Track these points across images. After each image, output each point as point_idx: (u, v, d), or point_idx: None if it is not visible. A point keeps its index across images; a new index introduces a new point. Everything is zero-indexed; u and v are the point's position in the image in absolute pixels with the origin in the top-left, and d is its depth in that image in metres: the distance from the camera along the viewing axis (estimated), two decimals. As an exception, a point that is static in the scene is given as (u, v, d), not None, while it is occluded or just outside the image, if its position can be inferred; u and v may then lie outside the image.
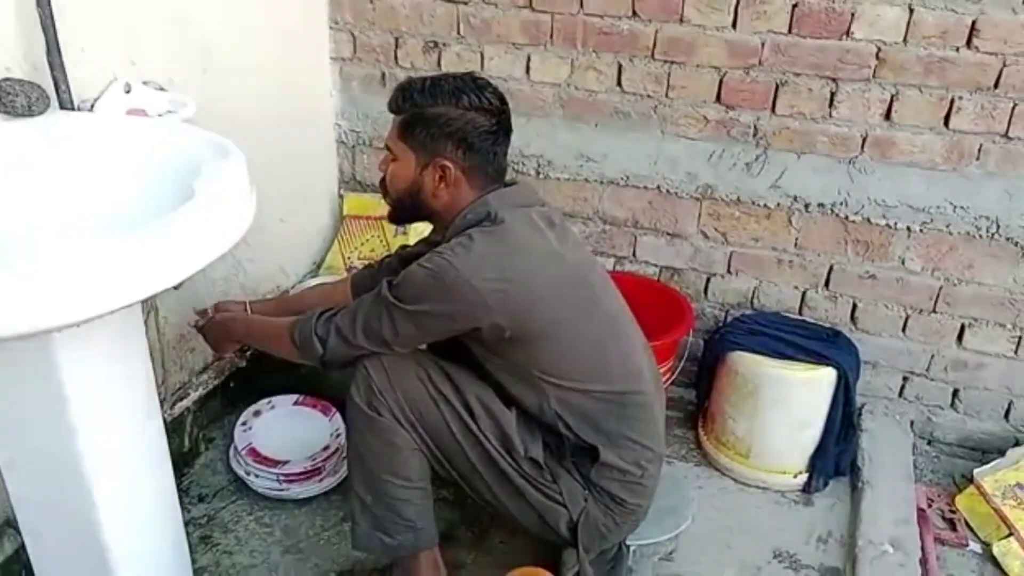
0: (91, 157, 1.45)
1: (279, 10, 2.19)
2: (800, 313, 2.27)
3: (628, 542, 1.68)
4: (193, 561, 1.83)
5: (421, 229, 2.27)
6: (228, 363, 2.21)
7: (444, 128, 1.48)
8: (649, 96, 2.18)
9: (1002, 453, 2.12)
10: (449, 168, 1.50)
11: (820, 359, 2.02)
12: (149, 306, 1.87)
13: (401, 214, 1.63)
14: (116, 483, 1.40)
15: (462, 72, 1.54)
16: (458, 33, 2.28)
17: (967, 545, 1.97)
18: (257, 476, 2.01)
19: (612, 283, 1.66)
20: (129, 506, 1.44)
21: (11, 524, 1.64)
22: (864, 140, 2.05)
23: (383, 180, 1.61)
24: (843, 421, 2.07)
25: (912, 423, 2.28)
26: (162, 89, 1.78)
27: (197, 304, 1.92)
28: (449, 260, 1.42)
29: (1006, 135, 1.95)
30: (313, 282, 2.40)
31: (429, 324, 1.47)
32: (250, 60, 2.10)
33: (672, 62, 2.12)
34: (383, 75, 2.40)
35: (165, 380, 2.03)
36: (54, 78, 1.51)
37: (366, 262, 2.04)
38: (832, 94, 2.03)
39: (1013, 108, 1.92)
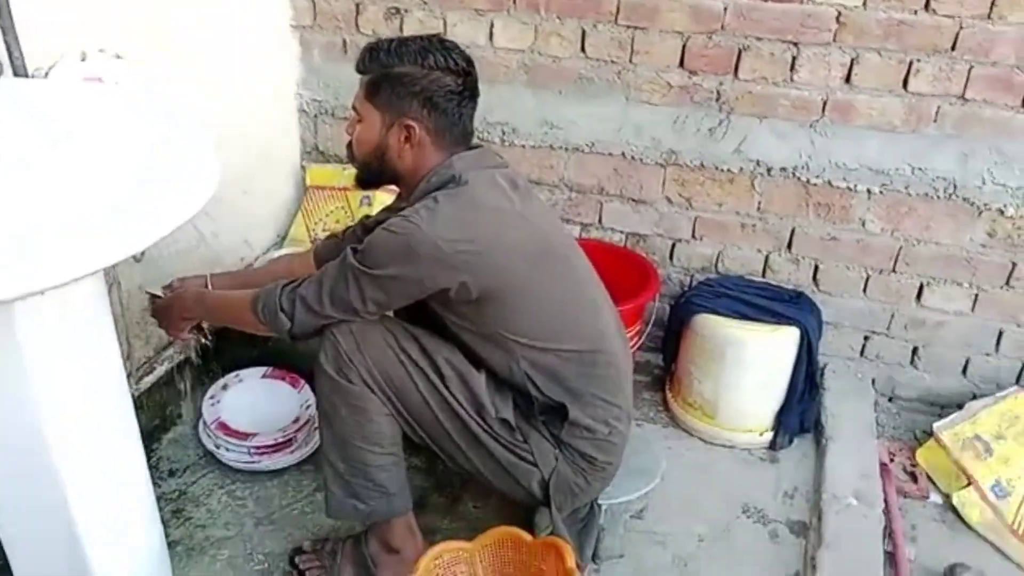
0: (46, 124, 1.41)
1: (237, -23, 2.15)
2: (763, 276, 2.31)
3: (600, 501, 1.71)
4: (166, 535, 1.82)
5: (385, 200, 2.26)
6: (194, 339, 2.18)
7: (409, 87, 1.47)
8: (613, 62, 2.18)
9: (961, 408, 2.18)
10: (414, 128, 1.49)
11: (783, 319, 2.06)
12: (111, 279, 1.84)
13: (367, 177, 1.62)
14: (81, 454, 1.38)
15: (429, 34, 1.54)
16: (420, -1, 2.26)
17: (928, 497, 2.04)
18: (228, 450, 2.00)
19: (577, 245, 1.67)
20: (97, 478, 1.43)
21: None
22: (825, 104, 2.08)
23: (350, 143, 1.60)
24: (806, 379, 2.11)
25: (874, 381, 2.33)
26: (119, 57, 1.75)
27: (161, 278, 1.88)
28: (415, 223, 1.41)
29: (962, 97, 1.99)
30: (277, 254, 2.37)
31: (397, 288, 1.47)
32: (208, 28, 2.06)
33: (635, 27, 2.13)
34: (344, 43, 2.37)
35: (130, 355, 2.01)
36: (7, 44, 1.47)
37: (330, 233, 2.03)
38: (793, 58, 2.05)
39: (969, 70, 1.96)
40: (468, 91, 1.52)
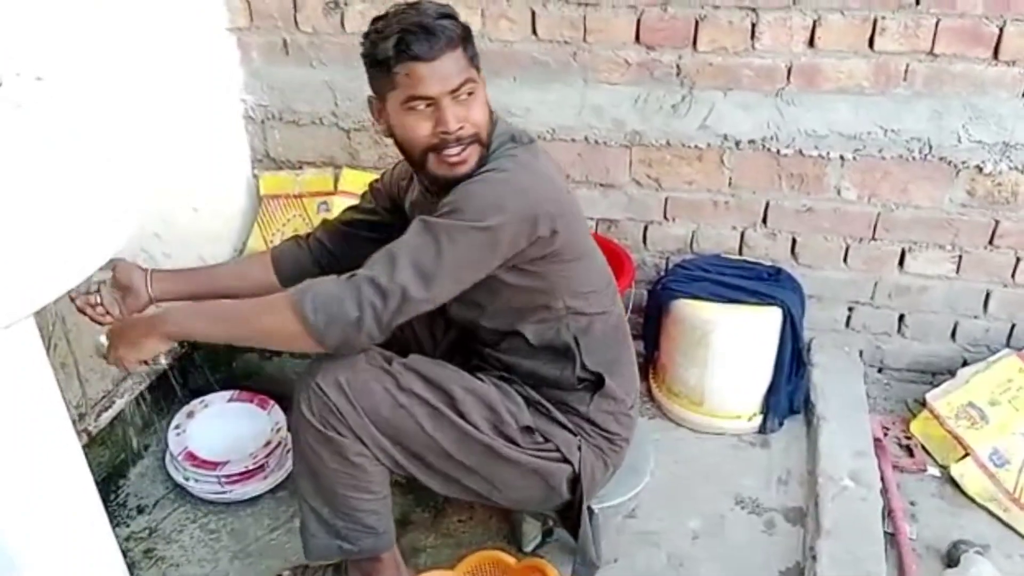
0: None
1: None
2: (740, 253, 2.23)
3: (592, 505, 1.62)
4: (137, 578, 1.75)
5: (344, 204, 2.16)
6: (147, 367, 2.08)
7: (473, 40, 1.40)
8: (567, 42, 2.08)
9: (952, 374, 2.12)
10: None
11: (764, 299, 1.98)
12: (54, 317, 1.74)
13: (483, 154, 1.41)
14: (29, 510, 1.29)
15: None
16: (359, -11, 2.14)
17: (925, 470, 1.97)
18: (197, 481, 1.92)
19: None
20: (48, 533, 1.34)
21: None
22: (789, 70, 1.99)
23: (460, 129, 1.34)
24: (792, 358, 2.04)
25: (861, 353, 2.26)
26: (39, 80, 1.64)
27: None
28: (511, 169, 1.37)
29: (931, 52, 1.91)
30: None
31: (498, 240, 1.31)
32: (138, 40, 1.95)
33: (587, 4, 2.02)
34: (284, 42, 2.24)
35: (84, 392, 1.91)
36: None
37: (292, 236, 1.91)
38: (753, 25, 1.96)
39: (936, 24, 1.88)
40: None
